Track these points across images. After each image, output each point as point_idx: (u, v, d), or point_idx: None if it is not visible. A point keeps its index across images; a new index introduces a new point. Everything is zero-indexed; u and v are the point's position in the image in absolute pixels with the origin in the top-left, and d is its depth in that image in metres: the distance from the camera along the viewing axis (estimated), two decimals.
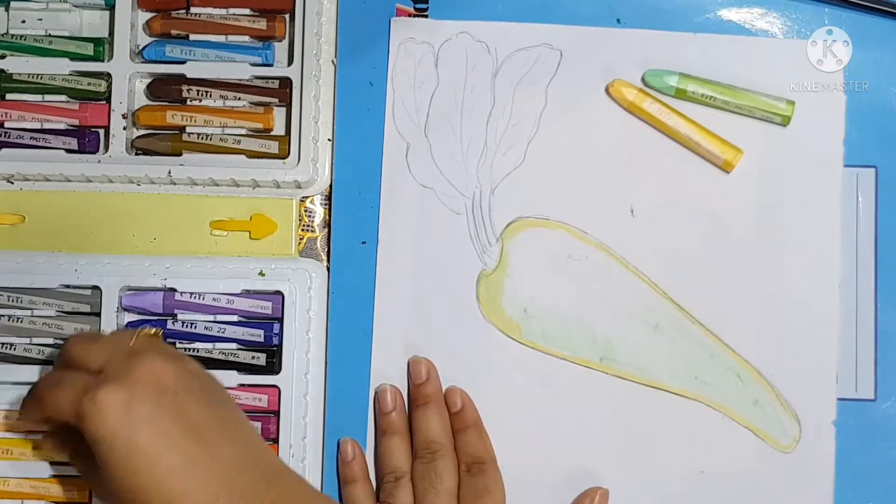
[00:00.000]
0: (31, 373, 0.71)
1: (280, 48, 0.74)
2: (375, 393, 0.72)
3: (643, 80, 0.72)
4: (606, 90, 0.72)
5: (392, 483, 0.69)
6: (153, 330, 0.65)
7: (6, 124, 0.72)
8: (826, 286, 0.71)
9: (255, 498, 0.59)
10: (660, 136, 0.72)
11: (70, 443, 0.65)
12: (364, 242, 0.73)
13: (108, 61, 0.73)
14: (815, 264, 0.71)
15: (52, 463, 0.71)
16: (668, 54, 0.72)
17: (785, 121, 0.71)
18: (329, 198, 0.73)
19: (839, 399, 0.70)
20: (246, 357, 0.71)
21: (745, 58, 0.72)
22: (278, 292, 0.71)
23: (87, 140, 0.72)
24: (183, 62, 0.72)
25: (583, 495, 0.70)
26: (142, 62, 0.73)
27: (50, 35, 0.73)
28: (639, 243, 0.71)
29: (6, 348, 0.71)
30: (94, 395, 0.58)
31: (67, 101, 0.73)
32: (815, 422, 0.70)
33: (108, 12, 0.74)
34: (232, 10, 0.73)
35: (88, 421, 0.58)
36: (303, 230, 0.74)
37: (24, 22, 0.74)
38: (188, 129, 0.72)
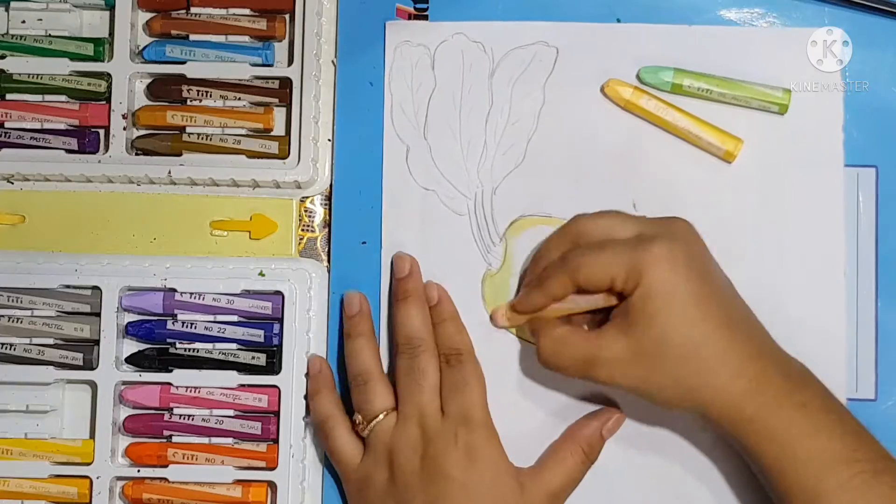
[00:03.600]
0: (32, 373, 0.71)
1: (280, 48, 0.74)
2: (341, 298, 0.72)
3: (638, 76, 0.72)
4: (602, 90, 0.72)
5: (362, 386, 0.69)
6: None
7: (6, 124, 0.72)
8: (830, 276, 0.71)
9: (780, 369, 0.63)
10: (659, 130, 0.72)
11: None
12: (364, 242, 0.72)
13: (108, 61, 0.73)
14: (819, 255, 0.71)
15: (52, 463, 0.71)
16: (665, 48, 0.72)
17: (782, 109, 0.71)
18: (329, 198, 0.73)
19: None
20: (246, 357, 0.71)
21: (742, 49, 0.72)
22: (278, 292, 0.71)
23: (87, 140, 0.72)
24: (183, 62, 0.72)
25: (597, 413, 0.70)
26: (142, 62, 0.73)
27: (50, 35, 0.73)
28: None
29: (6, 348, 0.71)
30: (649, 247, 0.62)
31: (67, 101, 0.73)
32: None
33: (108, 12, 0.74)
34: (232, 10, 0.73)
35: (647, 272, 0.61)
36: (303, 230, 0.74)
37: (24, 22, 0.74)
38: (188, 129, 0.72)
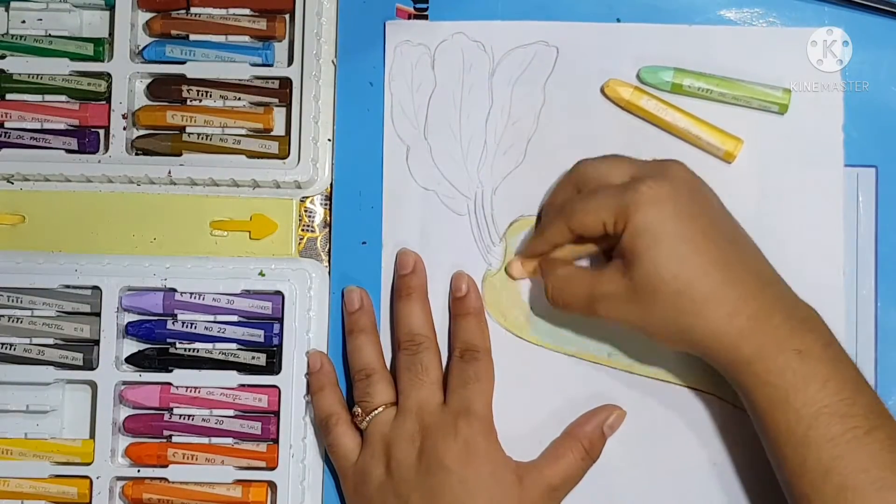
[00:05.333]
0: (32, 373, 0.71)
1: (280, 48, 0.74)
2: (342, 293, 0.72)
3: (638, 76, 0.72)
4: (602, 90, 0.72)
5: (364, 381, 0.69)
6: None
7: (6, 124, 0.72)
8: (830, 276, 0.71)
9: (781, 312, 0.62)
10: (659, 130, 0.72)
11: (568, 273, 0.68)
12: (364, 242, 0.73)
13: (108, 61, 0.73)
14: (819, 255, 0.71)
15: (52, 463, 0.71)
16: (665, 48, 0.72)
17: (782, 109, 0.71)
18: (329, 198, 0.73)
19: None
20: (246, 357, 0.71)
21: (742, 49, 0.72)
22: (278, 292, 0.71)
23: (87, 140, 0.72)
24: (183, 62, 0.72)
25: (598, 409, 0.70)
26: (142, 62, 0.73)
27: (50, 35, 0.73)
28: None
29: (6, 348, 0.71)
30: (637, 188, 0.62)
31: (67, 101, 0.73)
32: None
33: (108, 12, 0.74)
34: (232, 10, 0.73)
35: (634, 212, 0.62)
36: (303, 230, 0.74)
37: (24, 22, 0.74)
38: (188, 130, 0.72)
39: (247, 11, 0.73)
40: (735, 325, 0.62)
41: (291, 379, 0.71)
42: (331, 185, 0.73)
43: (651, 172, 0.64)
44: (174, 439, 0.71)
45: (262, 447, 0.71)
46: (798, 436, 0.60)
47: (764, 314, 0.62)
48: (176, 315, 0.71)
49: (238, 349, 0.71)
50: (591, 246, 0.68)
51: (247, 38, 0.73)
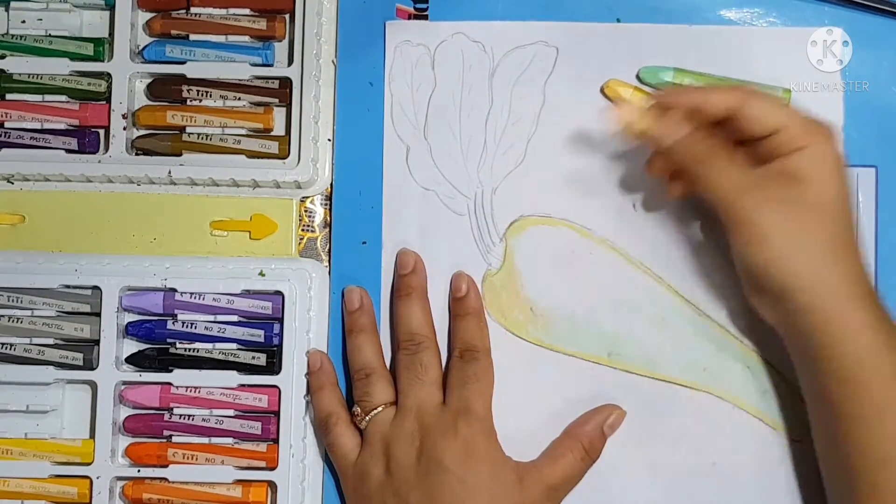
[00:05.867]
0: (32, 373, 0.71)
1: (280, 48, 0.74)
2: (342, 293, 0.72)
3: (638, 76, 0.72)
4: (602, 90, 0.72)
5: (363, 380, 0.69)
6: None
7: (6, 124, 0.72)
8: None
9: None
10: None
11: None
12: (364, 242, 0.73)
13: (108, 61, 0.73)
14: None
15: (52, 463, 0.71)
16: (665, 48, 0.72)
17: None
18: (329, 198, 0.73)
19: None
20: (246, 357, 0.71)
21: (742, 49, 0.72)
22: (278, 292, 0.71)
23: (87, 140, 0.72)
24: (183, 62, 0.72)
25: (598, 409, 0.70)
26: (142, 62, 0.73)
27: (50, 35, 0.73)
28: (642, 237, 0.71)
29: (6, 348, 0.71)
30: (829, 135, 0.63)
31: (67, 101, 0.73)
32: None
33: (108, 12, 0.74)
34: (232, 10, 0.73)
35: (818, 146, 0.63)
36: (303, 230, 0.74)
37: (24, 22, 0.74)
38: (188, 129, 0.72)
39: (247, 11, 0.73)
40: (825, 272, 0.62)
41: (291, 379, 0.71)
42: (331, 185, 0.73)
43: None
44: (174, 439, 0.71)
45: (262, 447, 0.71)
46: (856, 374, 0.61)
47: (849, 286, 0.62)
48: (176, 315, 0.71)
49: (238, 349, 0.71)
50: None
51: (247, 38, 0.73)
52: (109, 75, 0.72)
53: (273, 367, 0.71)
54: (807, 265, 0.62)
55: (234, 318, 0.71)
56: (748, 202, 0.63)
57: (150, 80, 0.73)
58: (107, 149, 0.73)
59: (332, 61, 0.74)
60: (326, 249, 0.73)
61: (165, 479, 0.70)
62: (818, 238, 0.62)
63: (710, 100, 0.64)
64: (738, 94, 0.64)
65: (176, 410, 0.71)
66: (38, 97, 0.73)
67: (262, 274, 0.72)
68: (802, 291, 0.62)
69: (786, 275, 0.62)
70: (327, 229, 0.73)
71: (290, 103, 0.72)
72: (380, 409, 0.68)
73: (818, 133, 0.63)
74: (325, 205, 0.73)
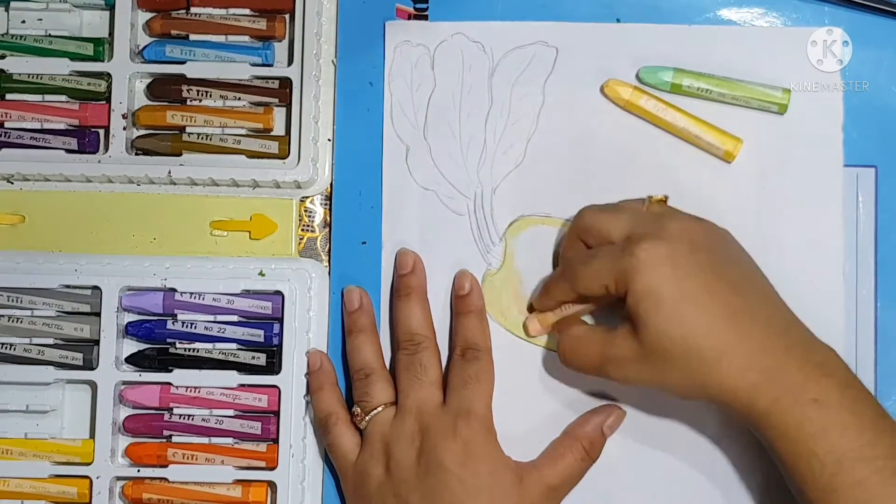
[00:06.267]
0: (32, 373, 0.71)
1: (280, 48, 0.74)
2: (342, 293, 0.72)
3: (638, 76, 0.72)
4: (601, 90, 0.72)
5: (363, 380, 0.69)
6: (661, 196, 0.66)
7: (6, 124, 0.72)
8: (830, 276, 0.71)
9: (796, 360, 0.61)
10: (659, 130, 0.72)
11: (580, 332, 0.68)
12: (364, 243, 0.73)
13: (108, 61, 0.73)
14: (818, 255, 0.71)
15: (52, 463, 0.71)
16: (665, 48, 0.72)
17: (782, 109, 0.71)
18: (329, 198, 0.73)
19: None
20: (246, 357, 0.71)
21: (742, 49, 0.72)
22: (278, 292, 0.71)
23: (87, 140, 0.72)
24: (183, 62, 0.72)
25: (597, 410, 0.70)
26: (142, 62, 0.73)
27: (50, 35, 0.73)
28: None
29: (6, 348, 0.71)
30: (633, 251, 0.62)
31: (67, 101, 0.73)
32: None
33: (108, 12, 0.74)
34: (232, 10, 0.73)
35: (633, 277, 0.61)
36: (303, 230, 0.74)
37: (24, 22, 0.74)
38: (188, 129, 0.72)
39: (247, 11, 0.73)
40: (748, 380, 0.61)
41: (291, 379, 0.71)
42: (331, 185, 0.73)
43: (649, 230, 0.63)
44: (174, 439, 0.71)
45: (262, 447, 0.71)
46: (823, 482, 0.60)
47: (777, 366, 0.61)
48: (176, 315, 0.71)
49: (238, 349, 0.71)
50: (602, 300, 0.66)
51: (247, 38, 0.73)
52: (109, 75, 0.72)
53: (273, 367, 0.71)
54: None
55: (234, 318, 0.71)
56: (634, 372, 0.64)
57: (150, 80, 0.73)
58: (107, 149, 0.73)
59: (332, 61, 0.74)
60: (326, 249, 0.73)
61: (165, 479, 0.70)
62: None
63: (554, 297, 0.68)
64: (565, 280, 0.67)
65: (176, 410, 0.71)
66: (38, 97, 0.73)
67: (262, 274, 0.72)
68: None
69: (709, 399, 0.63)
70: (327, 229, 0.73)
71: (290, 103, 0.72)
72: (379, 409, 0.68)
73: (630, 265, 0.62)
74: (325, 205, 0.73)
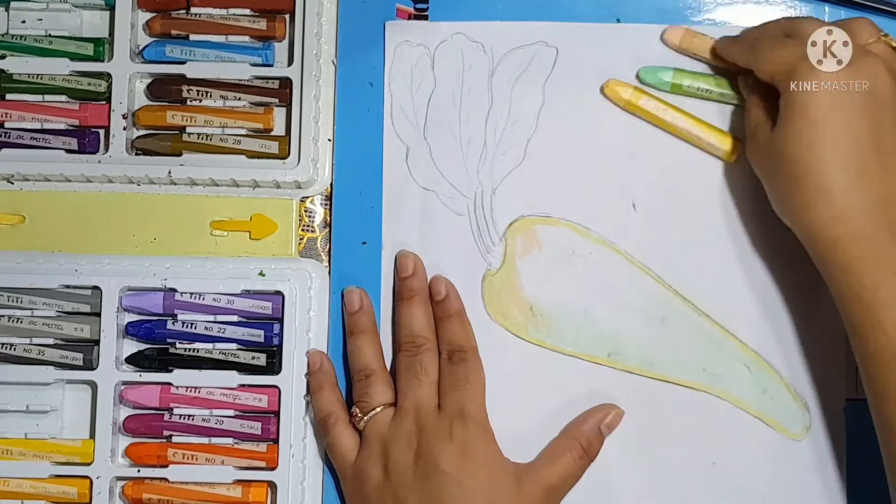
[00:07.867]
0: (32, 373, 0.71)
1: (280, 48, 0.74)
2: (342, 294, 0.72)
3: (638, 77, 0.72)
4: (601, 90, 0.72)
5: (363, 381, 0.69)
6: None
7: (6, 124, 0.72)
8: None
9: (892, 235, 0.61)
10: (659, 130, 0.72)
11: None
12: (365, 243, 0.73)
13: (108, 61, 0.73)
14: None
15: (52, 463, 0.71)
16: (664, 48, 0.72)
17: None
18: (329, 198, 0.73)
19: None
20: (246, 357, 0.71)
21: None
22: (278, 292, 0.71)
23: (87, 140, 0.72)
24: (183, 62, 0.72)
25: (595, 409, 0.70)
26: (142, 62, 0.73)
27: (50, 35, 0.73)
28: (642, 237, 0.72)
29: (6, 348, 0.71)
30: (809, 66, 0.63)
31: (67, 101, 0.73)
32: (824, 409, 0.70)
33: (108, 12, 0.74)
34: (232, 11, 0.73)
35: (800, 77, 0.63)
36: (303, 230, 0.74)
37: (24, 22, 0.74)
38: (188, 130, 0.72)
39: (247, 11, 0.73)
40: (834, 230, 0.61)
41: (291, 379, 0.71)
42: (331, 185, 0.73)
43: (862, 54, 0.64)
44: (174, 439, 0.71)
45: (262, 447, 0.71)
46: (886, 357, 0.60)
47: (871, 229, 0.61)
48: (176, 315, 0.71)
49: (238, 349, 0.71)
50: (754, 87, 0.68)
51: (247, 38, 0.73)
52: (109, 75, 0.72)
53: (273, 367, 0.71)
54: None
55: (234, 318, 0.71)
56: (757, 154, 0.65)
57: (150, 80, 0.73)
58: (107, 149, 0.73)
59: (332, 61, 0.74)
60: (326, 249, 0.73)
61: (165, 480, 0.70)
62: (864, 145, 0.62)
63: (728, 53, 0.69)
64: (747, 50, 0.67)
65: (176, 410, 0.71)
66: (38, 97, 0.73)
67: (262, 274, 0.72)
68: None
69: (795, 229, 0.64)
70: (327, 229, 0.73)
71: (290, 103, 0.72)
72: (378, 409, 0.68)
73: (816, 74, 0.63)
74: (325, 205, 0.74)
